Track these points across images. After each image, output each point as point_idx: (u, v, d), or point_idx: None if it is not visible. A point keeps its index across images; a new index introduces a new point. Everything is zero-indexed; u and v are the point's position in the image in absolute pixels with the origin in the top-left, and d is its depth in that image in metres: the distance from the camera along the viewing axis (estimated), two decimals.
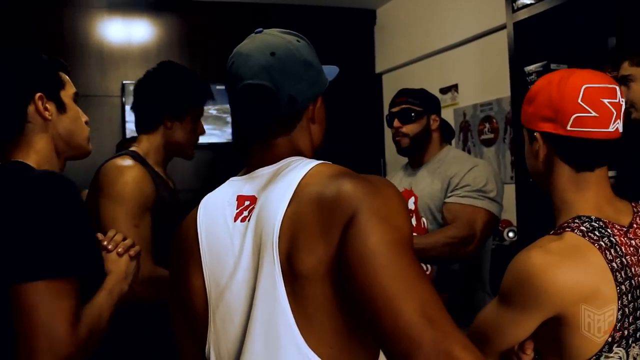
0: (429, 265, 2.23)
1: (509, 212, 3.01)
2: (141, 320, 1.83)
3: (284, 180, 1.04)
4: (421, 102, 2.34)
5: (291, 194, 1.01)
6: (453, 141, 3.91)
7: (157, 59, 4.13)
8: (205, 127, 2.14)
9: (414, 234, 2.27)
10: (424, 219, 2.29)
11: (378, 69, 4.92)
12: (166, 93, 1.96)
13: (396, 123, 2.34)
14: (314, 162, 1.06)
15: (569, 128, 1.19)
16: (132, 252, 1.43)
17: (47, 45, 3.98)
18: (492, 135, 3.66)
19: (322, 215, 0.96)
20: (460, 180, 2.21)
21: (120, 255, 1.41)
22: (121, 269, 1.39)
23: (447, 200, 2.22)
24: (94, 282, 1.30)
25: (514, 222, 3.01)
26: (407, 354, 0.88)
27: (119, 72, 4.24)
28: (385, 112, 4.95)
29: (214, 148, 4.31)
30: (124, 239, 1.45)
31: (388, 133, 4.86)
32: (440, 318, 0.90)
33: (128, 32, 4.32)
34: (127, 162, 1.87)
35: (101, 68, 4.18)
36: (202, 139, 4.16)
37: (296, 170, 1.04)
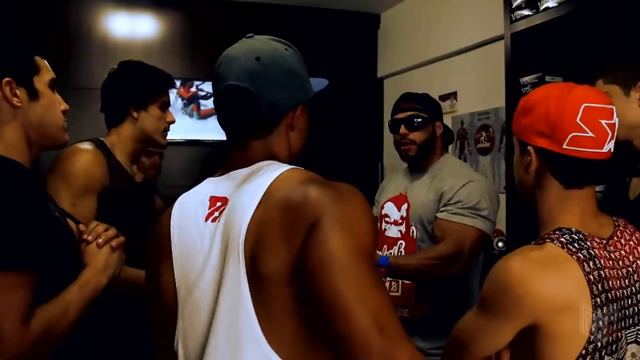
0: None
1: (501, 222, 3.03)
2: (119, 313, 1.87)
3: (254, 183, 1.07)
4: (427, 109, 2.32)
5: (260, 197, 1.03)
6: (450, 148, 3.96)
7: (160, 55, 4.24)
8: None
9: (401, 241, 2.30)
10: (413, 228, 2.28)
11: (380, 73, 4.93)
12: (127, 84, 2.05)
13: (403, 130, 2.29)
14: (285, 167, 1.09)
15: (564, 146, 1.20)
16: (113, 243, 1.38)
17: (51, 36, 4.01)
18: (488, 144, 3.68)
19: (287, 219, 0.99)
20: (454, 195, 2.20)
21: (100, 246, 1.35)
22: (99, 261, 1.33)
23: (438, 215, 2.21)
24: (64, 276, 1.24)
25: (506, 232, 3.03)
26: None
27: None
28: (386, 116, 4.99)
29: (216, 145, 4.32)
30: (107, 230, 1.39)
31: (387, 137, 4.88)
32: (391, 327, 0.93)
33: (132, 27, 4.35)
34: (85, 145, 1.95)
35: (104, 61, 4.18)
36: (204, 136, 4.23)
37: (267, 174, 1.07)
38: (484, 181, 2.38)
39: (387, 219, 2.37)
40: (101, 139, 2.05)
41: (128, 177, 2.07)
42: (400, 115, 2.32)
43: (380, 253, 2.30)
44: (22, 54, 1.33)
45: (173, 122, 2.15)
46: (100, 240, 1.37)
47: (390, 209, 2.38)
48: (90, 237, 1.36)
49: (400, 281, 2.28)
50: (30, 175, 1.20)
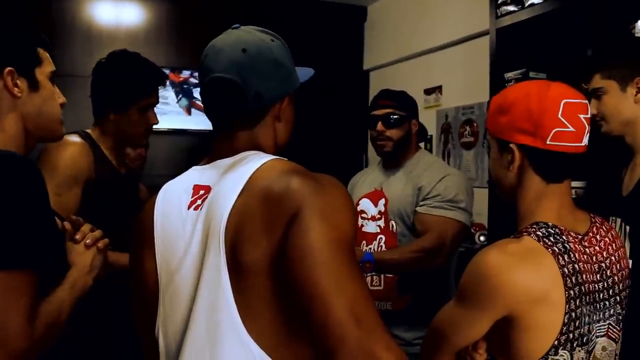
0: None
1: (484, 216, 3.06)
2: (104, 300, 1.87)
3: (237, 173, 1.07)
4: (404, 107, 2.37)
5: (242, 187, 1.04)
6: (434, 142, 3.99)
7: (145, 43, 4.22)
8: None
9: (381, 236, 2.33)
10: (392, 222, 2.32)
11: (366, 66, 4.94)
12: (106, 87, 2.01)
13: (380, 126, 2.34)
14: (268, 157, 1.09)
15: (548, 142, 1.22)
16: (100, 245, 1.36)
17: (33, 22, 3.96)
18: (472, 139, 3.70)
19: (268, 209, 1.00)
20: (432, 189, 2.25)
21: (88, 247, 1.34)
22: (86, 262, 1.32)
23: (418, 209, 2.25)
24: (54, 275, 1.22)
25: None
26: (332, 350, 0.92)
27: (106, 54, 4.22)
28: None
29: (201, 135, 4.30)
30: (92, 230, 1.37)
31: None
32: (368, 318, 0.93)
33: (117, 14, 4.30)
34: (73, 138, 1.95)
35: (88, 48, 4.15)
36: (189, 126, 4.21)
37: (250, 164, 1.08)
38: (460, 174, 2.45)
39: (363, 215, 2.41)
40: (87, 131, 2.05)
41: (113, 169, 2.07)
42: (378, 112, 2.37)
43: (359, 249, 2.33)
44: (25, 44, 1.32)
45: (156, 123, 2.12)
46: (88, 241, 1.35)
47: (366, 205, 2.42)
48: (78, 237, 1.35)
49: (382, 275, 2.31)
50: (39, 171, 1.17)
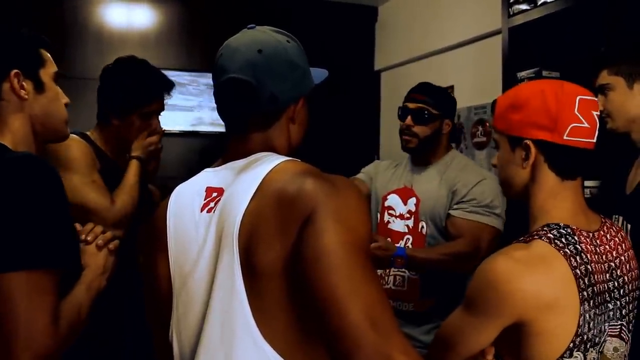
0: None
1: None
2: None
3: (250, 175, 1.06)
4: (439, 105, 2.29)
5: (255, 189, 1.03)
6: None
7: (156, 45, 4.23)
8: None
9: (408, 236, 2.28)
10: (423, 223, 2.26)
11: (377, 66, 4.92)
12: (110, 92, 2.03)
13: (408, 120, 2.27)
14: (282, 158, 1.08)
15: (565, 137, 1.22)
16: (111, 246, 1.36)
17: (45, 25, 3.98)
18: (484, 139, 3.68)
19: (281, 211, 0.99)
20: (467, 192, 2.19)
21: (99, 248, 1.34)
22: (99, 263, 1.32)
23: (452, 212, 2.20)
24: (70, 276, 1.22)
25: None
26: (347, 354, 0.90)
27: (118, 56, 4.23)
28: (383, 109, 4.94)
29: (213, 137, 4.31)
30: (103, 232, 1.37)
31: (383, 130, 4.88)
32: (384, 321, 0.92)
33: (128, 17, 4.32)
34: (72, 135, 1.93)
35: (99, 51, 4.17)
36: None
37: (263, 166, 1.07)
38: (495, 179, 2.39)
39: (391, 211, 2.36)
40: (87, 133, 2.06)
41: (115, 165, 2.07)
42: (410, 105, 2.30)
43: (389, 241, 2.30)
44: (28, 46, 1.33)
45: (158, 132, 2.12)
46: (100, 242, 1.35)
47: (395, 201, 2.36)
48: (89, 238, 1.35)
49: (406, 276, 2.27)
50: (56, 171, 1.18)
